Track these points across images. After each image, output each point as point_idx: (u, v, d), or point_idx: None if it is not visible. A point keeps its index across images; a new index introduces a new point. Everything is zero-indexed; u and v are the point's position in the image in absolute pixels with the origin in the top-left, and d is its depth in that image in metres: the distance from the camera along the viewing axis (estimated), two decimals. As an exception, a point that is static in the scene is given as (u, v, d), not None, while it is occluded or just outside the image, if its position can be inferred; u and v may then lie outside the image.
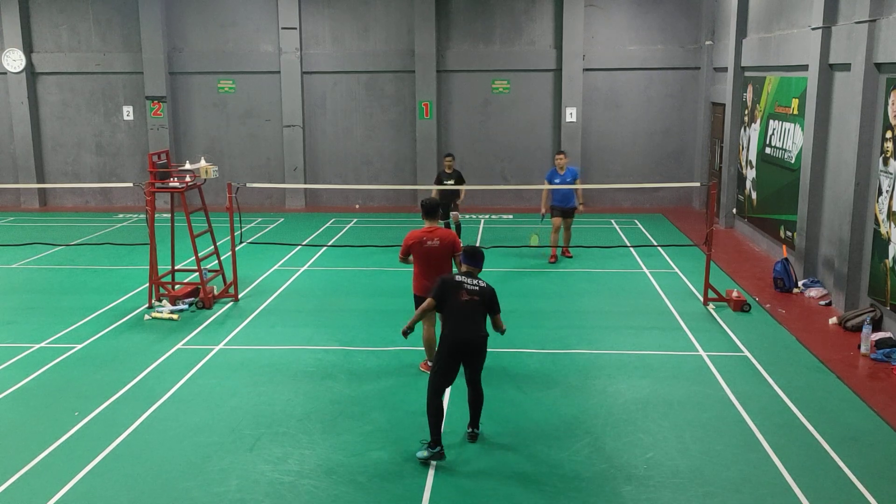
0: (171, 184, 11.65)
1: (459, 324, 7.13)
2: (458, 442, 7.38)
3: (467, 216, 18.92)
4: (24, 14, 20.77)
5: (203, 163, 12.12)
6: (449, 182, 14.85)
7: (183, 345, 10.09)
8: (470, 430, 7.48)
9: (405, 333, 7.24)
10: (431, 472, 6.83)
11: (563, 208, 14.25)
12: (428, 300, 7.32)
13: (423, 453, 7.03)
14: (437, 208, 8.95)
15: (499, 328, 7.46)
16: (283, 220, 19.27)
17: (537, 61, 20.27)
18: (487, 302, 7.26)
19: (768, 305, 11.64)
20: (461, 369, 7.31)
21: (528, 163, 20.66)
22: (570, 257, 14.66)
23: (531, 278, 13.29)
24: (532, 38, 20.29)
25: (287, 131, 20.76)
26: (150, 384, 8.79)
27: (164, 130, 20.76)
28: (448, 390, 8.35)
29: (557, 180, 14.12)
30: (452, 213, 14.87)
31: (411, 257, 8.88)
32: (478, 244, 15.95)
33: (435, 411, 7.06)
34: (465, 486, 6.61)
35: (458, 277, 7.32)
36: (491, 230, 17.71)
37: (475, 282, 7.30)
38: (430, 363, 9.09)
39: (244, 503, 6.38)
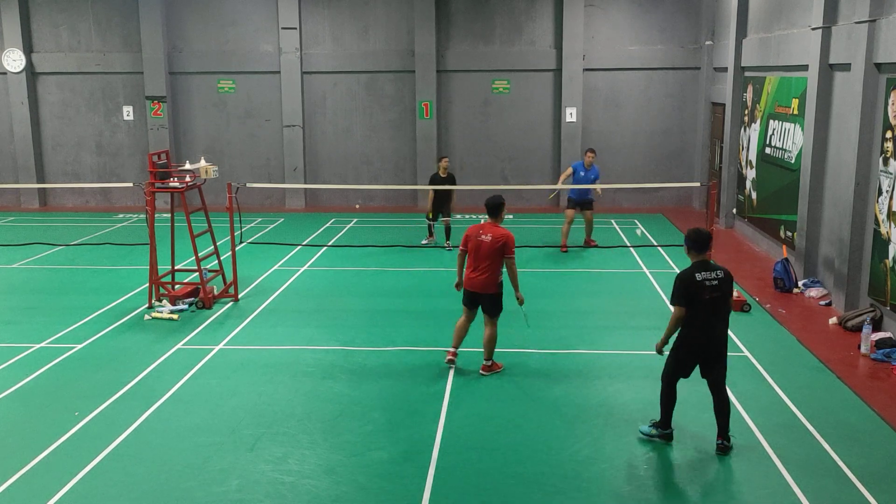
0: (171, 184, 11.65)
1: (706, 323, 6.84)
2: (457, 443, 7.37)
3: (467, 216, 18.92)
4: (24, 14, 20.76)
5: (203, 163, 12.12)
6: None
7: (183, 345, 10.09)
8: (720, 441, 7.09)
9: (659, 350, 7.10)
10: (431, 472, 6.82)
11: (580, 200, 15.02)
12: (678, 309, 6.85)
13: (650, 430, 7.17)
14: (499, 206, 8.83)
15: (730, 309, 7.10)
16: (283, 220, 19.27)
17: (537, 61, 20.27)
18: (728, 290, 6.91)
19: (768, 305, 11.64)
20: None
21: (529, 163, 20.67)
22: (595, 246, 15.25)
23: (531, 278, 13.27)
24: (532, 38, 20.28)
25: (287, 131, 20.76)
26: (150, 384, 8.79)
27: (164, 130, 20.76)
28: (454, 395, 8.37)
29: (582, 173, 14.87)
30: (443, 220, 15.20)
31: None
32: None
33: (667, 398, 7.12)
34: (466, 486, 6.61)
35: (697, 275, 6.81)
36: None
37: (714, 274, 6.84)
38: (451, 350, 9.11)
39: (244, 503, 6.38)
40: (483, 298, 8.83)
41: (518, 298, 8.88)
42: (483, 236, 8.71)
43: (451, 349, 9.17)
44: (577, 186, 14.70)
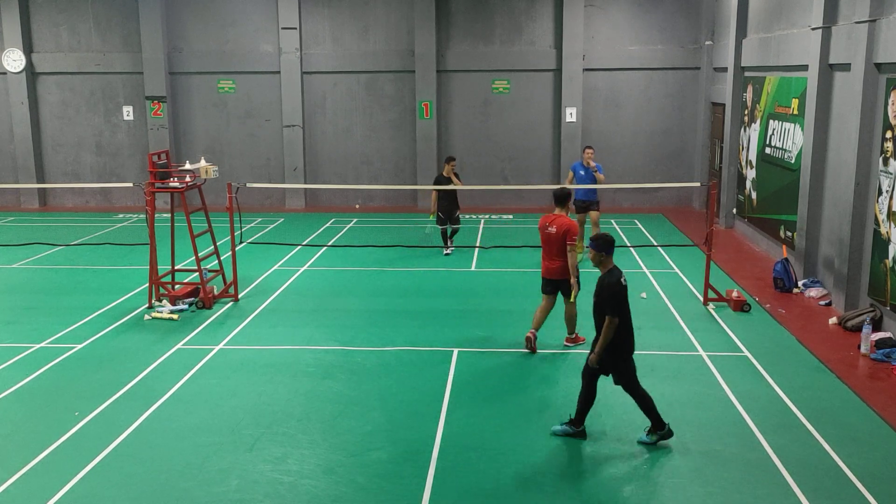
0: (171, 184, 11.65)
1: (631, 325, 7.15)
2: (457, 443, 7.38)
3: (467, 216, 18.93)
4: (24, 14, 20.77)
5: (203, 163, 12.13)
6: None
7: (183, 345, 10.09)
8: (581, 427, 7.46)
9: (596, 363, 7.19)
10: (431, 472, 6.83)
11: (585, 201, 14.66)
12: (614, 320, 6.92)
13: (650, 437, 7.21)
14: (565, 197, 9.64)
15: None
16: (283, 220, 19.27)
17: (537, 61, 20.27)
18: None
19: (768, 305, 11.63)
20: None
21: (529, 163, 20.67)
22: None
23: (531, 278, 13.26)
24: (532, 38, 20.29)
25: (287, 131, 20.77)
26: (150, 384, 8.79)
27: (164, 130, 20.76)
28: (449, 403, 8.37)
29: (582, 172, 14.60)
30: (451, 227, 15.04)
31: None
32: (478, 244, 16.00)
33: (646, 403, 7.23)
34: (465, 486, 6.61)
35: (622, 280, 7.01)
36: (491, 230, 17.71)
37: (623, 274, 7.12)
38: (532, 331, 9.74)
39: (244, 503, 6.39)
40: (562, 284, 9.60)
41: (572, 285, 9.44)
42: (550, 228, 9.47)
43: (532, 330, 9.76)
44: (582, 186, 14.33)
